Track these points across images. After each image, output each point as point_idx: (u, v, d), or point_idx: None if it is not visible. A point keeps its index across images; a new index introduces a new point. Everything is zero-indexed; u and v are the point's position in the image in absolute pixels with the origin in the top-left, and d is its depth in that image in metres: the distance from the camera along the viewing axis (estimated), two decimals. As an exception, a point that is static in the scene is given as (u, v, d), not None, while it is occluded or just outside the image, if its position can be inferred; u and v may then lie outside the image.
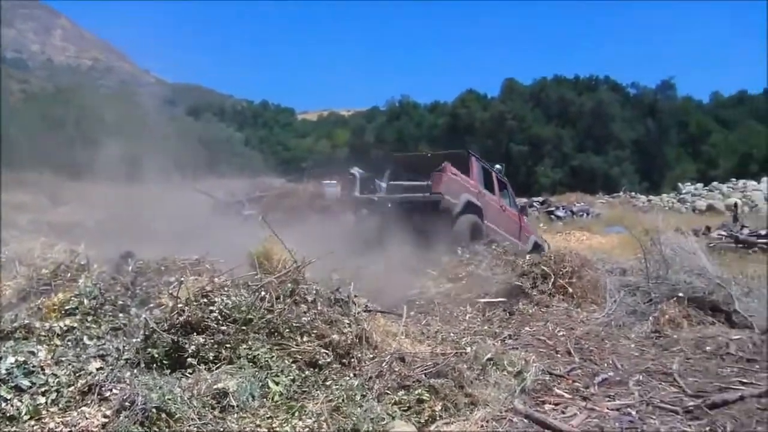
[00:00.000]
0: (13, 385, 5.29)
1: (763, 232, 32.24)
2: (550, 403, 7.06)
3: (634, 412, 6.86)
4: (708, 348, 9.73)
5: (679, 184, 72.21)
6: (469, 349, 7.73)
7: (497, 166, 20.53)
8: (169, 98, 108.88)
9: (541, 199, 57.39)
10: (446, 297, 12.12)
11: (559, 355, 9.10)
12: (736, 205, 50.45)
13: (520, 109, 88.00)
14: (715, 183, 69.73)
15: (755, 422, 6.62)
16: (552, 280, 12.46)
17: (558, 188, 76.02)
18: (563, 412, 6.78)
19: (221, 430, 4.88)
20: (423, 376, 6.58)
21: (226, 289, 6.99)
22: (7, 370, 5.41)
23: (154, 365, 5.95)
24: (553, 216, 47.82)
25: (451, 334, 9.27)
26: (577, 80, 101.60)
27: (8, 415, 5.02)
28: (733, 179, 70.04)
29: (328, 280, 8.28)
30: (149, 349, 6.10)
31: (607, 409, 6.93)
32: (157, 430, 4.89)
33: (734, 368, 8.86)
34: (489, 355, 7.41)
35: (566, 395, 7.38)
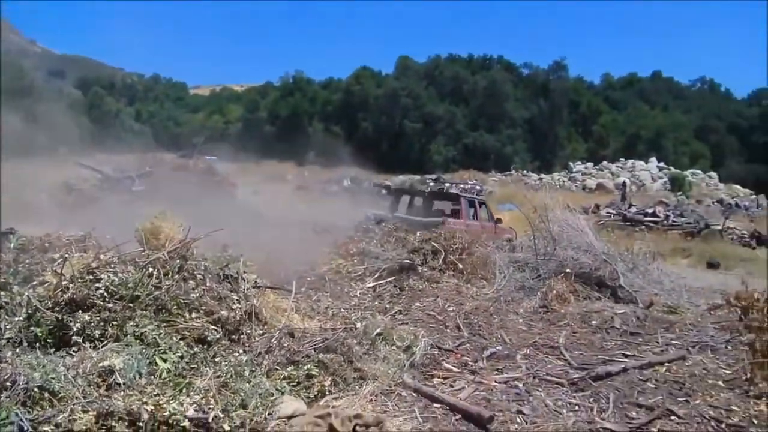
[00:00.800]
0: None
1: (649, 211, 33.24)
2: (438, 377, 7.18)
3: (521, 385, 7.03)
4: (594, 322, 10.02)
5: (570, 163, 73.97)
6: (359, 325, 7.77)
7: (477, 187, 23.15)
8: (56, 70, 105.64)
9: (434, 176, 57.85)
10: (337, 273, 12.14)
11: (448, 330, 9.24)
12: (624, 184, 51.87)
13: (414, 87, 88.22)
14: (604, 162, 71.70)
15: (637, 393, 6.86)
16: (442, 256, 12.61)
17: (451, 166, 76.79)
18: (452, 386, 6.90)
19: (106, 407, 4.78)
20: (312, 351, 6.60)
21: (112, 265, 6.86)
22: None
23: (38, 344, 5.80)
24: (446, 193, 48.18)
25: (342, 310, 9.31)
26: (471, 59, 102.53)
27: None
28: (622, 159, 72.12)
29: (219, 256, 8.16)
30: (32, 328, 5.94)
31: (495, 382, 7.07)
32: (40, 409, 4.77)
33: (618, 341, 9.17)
34: (378, 330, 7.47)
35: (455, 369, 7.51)
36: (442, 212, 20.17)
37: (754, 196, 55.92)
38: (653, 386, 7.16)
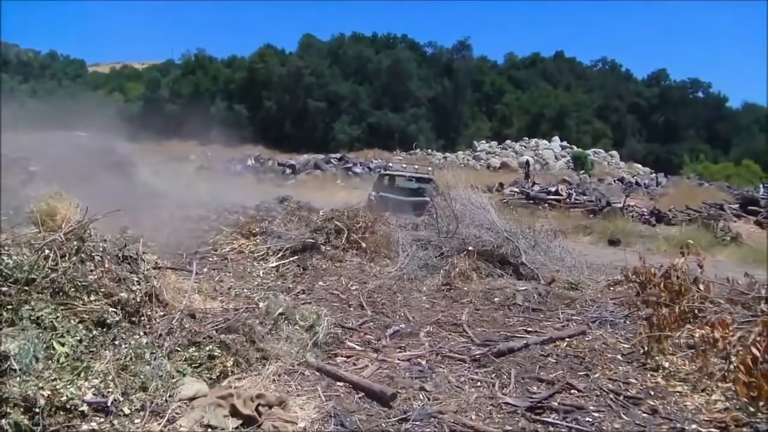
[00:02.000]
0: None
1: (552, 189, 33.80)
2: (342, 356, 7.21)
3: (423, 362, 7.10)
4: (496, 299, 10.18)
5: (475, 142, 74.60)
6: (261, 305, 7.73)
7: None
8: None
9: (338, 155, 57.71)
10: (240, 253, 12.05)
11: (352, 309, 9.28)
12: (527, 162, 52.58)
13: (317, 65, 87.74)
14: (508, 141, 72.56)
15: (538, 368, 7.00)
16: (346, 235, 12.61)
17: (355, 145, 76.79)
18: (355, 364, 6.93)
19: (1, 394, 4.66)
20: (214, 332, 6.54)
21: (6, 248, 6.66)
22: None
23: (-76, 332, 5.61)
24: (350, 172, 48.18)
25: (245, 290, 9.27)
26: (375, 38, 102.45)
27: None
28: (526, 138, 73.05)
29: (118, 238, 7.99)
30: None
31: (398, 360, 7.12)
32: (-75, 398, 4.63)
33: (520, 318, 9.34)
34: (281, 310, 7.44)
35: (358, 347, 7.54)
36: (422, 192, 23.04)
37: (653, 175, 57.57)
38: (554, 361, 7.30)
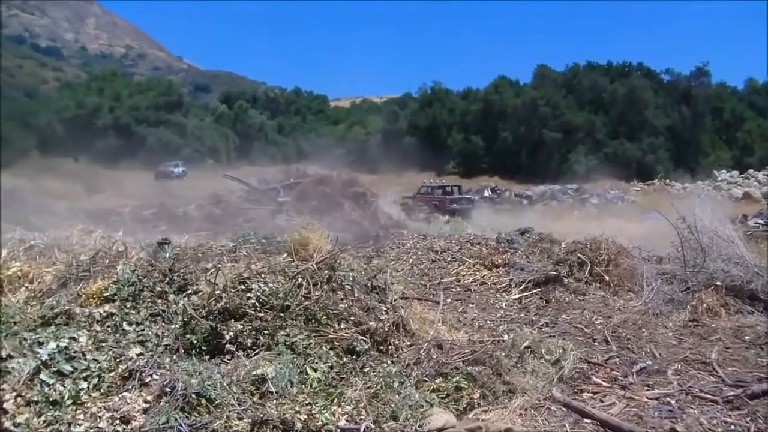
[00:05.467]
0: (55, 370, 5.35)
1: (800, 221, 31.91)
2: (588, 392, 7.04)
3: (673, 402, 6.82)
4: (747, 337, 9.64)
5: (714, 172, 71.51)
6: (506, 337, 7.71)
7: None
8: (202, 85, 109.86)
9: (575, 186, 57.04)
10: (482, 284, 12.07)
11: (596, 344, 9.05)
12: (773, 193, 49.93)
13: (552, 96, 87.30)
14: (750, 171, 68.91)
15: (795, 412, 6.58)
16: (588, 267, 12.37)
17: (592, 175, 75.52)
18: (602, 401, 6.76)
19: (261, 415, 4.89)
20: (461, 363, 6.57)
21: (263, 275, 7.01)
22: (49, 355, 5.46)
23: (193, 351, 6.00)
24: (587, 203, 47.50)
25: (488, 322, 9.26)
26: (610, 67, 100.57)
27: (51, 399, 5.07)
28: (769, 166, 69.31)
29: (365, 267, 8.23)
30: (188, 336, 6.14)
31: (646, 398, 6.89)
32: (197, 415, 4.93)
33: (773, 358, 8.80)
34: (526, 343, 7.37)
35: (604, 384, 7.35)
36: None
37: None
38: (813, 406, 6.86)
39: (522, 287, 11.54)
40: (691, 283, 12.05)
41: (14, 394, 5.05)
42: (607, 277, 12.31)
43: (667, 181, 69.90)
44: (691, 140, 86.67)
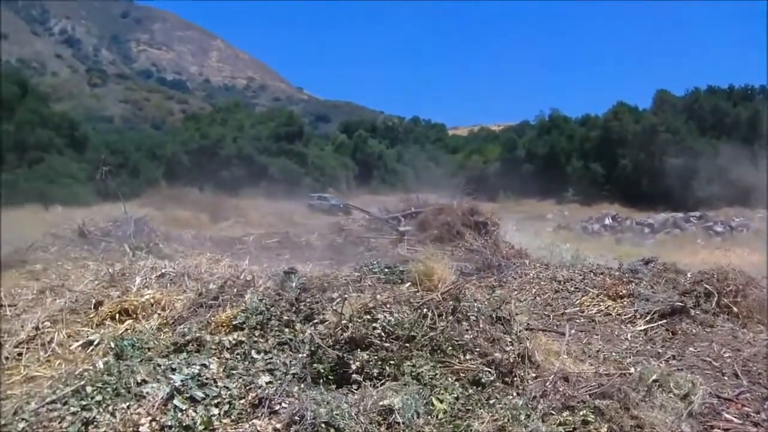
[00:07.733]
0: (187, 396, 5.49)
1: None
2: (719, 428, 6.86)
3: (810, 440, 6.60)
4: None
5: None
6: (633, 370, 7.56)
7: None
8: (322, 115, 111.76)
9: (698, 213, 55.56)
10: (607, 315, 11.88)
11: (726, 378, 8.78)
12: None
13: (673, 121, 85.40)
14: None
15: None
16: (716, 299, 12.02)
17: (715, 202, 73.44)
18: (734, 439, 6.58)
19: (389, 446, 4.92)
20: (587, 396, 6.46)
21: (388, 306, 7.06)
22: (182, 381, 5.62)
23: (320, 380, 6.08)
24: (711, 231, 46.17)
25: (614, 354, 9.09)
26: (732, 90, 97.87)
27: (184, 424, 5.20)
28: None
29: (489, 297, 8.21)
30: (315, 365, 6.22)
31: (780, 435, 6.68)
32: (327, 444, 4.98)
33: None
34: (654, 376, 7.21)
35: (736, 420, 7.14)
36: None
37: None
38: None
39: (647, 318, 11.31)
40: (826, 315, 11.65)
41: (149, 418, 5.22)
42: (735, 309, 11.94)
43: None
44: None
